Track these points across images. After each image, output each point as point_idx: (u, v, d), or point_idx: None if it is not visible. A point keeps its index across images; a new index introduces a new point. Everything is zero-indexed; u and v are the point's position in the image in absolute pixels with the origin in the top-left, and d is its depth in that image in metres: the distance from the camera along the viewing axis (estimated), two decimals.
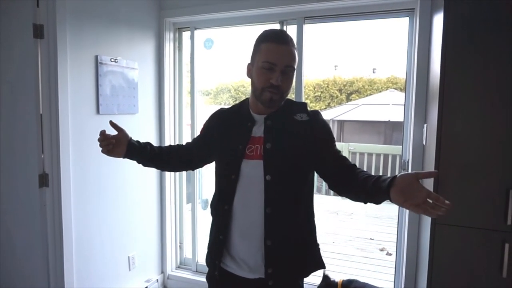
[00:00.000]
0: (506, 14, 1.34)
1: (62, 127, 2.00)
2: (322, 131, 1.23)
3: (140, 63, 2.56)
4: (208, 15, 2.60)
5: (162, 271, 2.90)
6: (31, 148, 1.99)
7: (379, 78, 13.39)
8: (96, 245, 2.30)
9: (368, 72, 14.34)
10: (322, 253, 1.34)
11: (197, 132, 1.87)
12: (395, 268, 2.41)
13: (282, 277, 1.21)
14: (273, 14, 2.47)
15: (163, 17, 2.71)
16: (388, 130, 7.86)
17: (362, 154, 6.08)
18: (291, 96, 2.52)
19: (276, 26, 2.48)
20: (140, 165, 1.42)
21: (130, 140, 1.36)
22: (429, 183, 1.70)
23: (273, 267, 1.18)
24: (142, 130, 2.62)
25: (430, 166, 1.60)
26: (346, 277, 2.34)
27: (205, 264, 1.39)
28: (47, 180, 2.02)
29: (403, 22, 2.25)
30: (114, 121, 1.37)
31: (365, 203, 1.09)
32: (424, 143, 1.97)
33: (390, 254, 3.74)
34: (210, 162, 1.43)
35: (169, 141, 2.81)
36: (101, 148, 1.32)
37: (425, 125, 1.95)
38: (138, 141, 1.39)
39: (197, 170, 1.48)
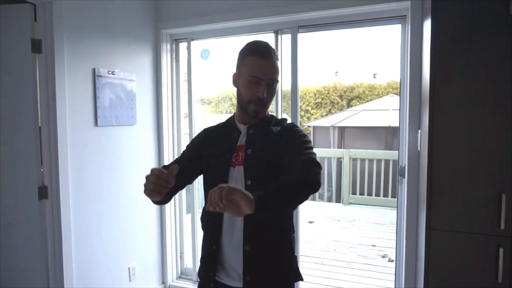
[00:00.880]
0: (493, 18, 1.36)
1: (60, 140, 2.03)
2: (287, 133, 1.27)
3: (138, 74, 2.60)
4: (204, 26, 2.64)
5: (163, 282, 2.90)
6: (31, 160, 2.02)
7: (379, 83, 13.42)
8: (96, 257, 2.30)
9: (369, 77, 14.38)
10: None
11: None
12: (395, 274, 2.41)
13: (261, 286, 1.21)
14: (268, 24, 2.50)
15: (160, 28, 2.75)
16: (389, 136, 7.86)
17: (363, 160, 6.08)
18: (288, 102, 2.54)
19: (271, 36, 2.52)
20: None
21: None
22: (422, 189, 1.71)
23: (251, 274, 1.19)
24: (140, 141, 2.65)
25: (424, 172, 1.60)
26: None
27: None
28: (47, 192, 2.04)
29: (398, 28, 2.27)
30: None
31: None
32: (419, 149, 1.98)
33: (392, 261, 3.71)
34: (199, 175, 1.39)
35: (167, 151, 2.83)
36: (145, 188, 1.09)
37: (419, 131, 1.96)
38: None
39: (196, 181, 1.46)
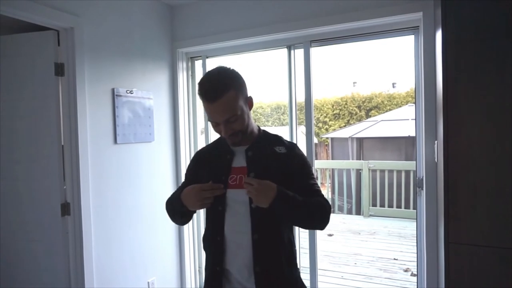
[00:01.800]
0: (504, 26, 1.35)
1: (82, 158, 2.11)
2: (298, 164, 1.28)
3: (155, 92, 2.68)
4: (218, 44, 2.71)
5: None
6: (54, 178, 2.10)
7: (398, 92, 13.21)
8: (117, 271, 2.35)
9: (388, 86, 14.18)
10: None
11: None
12: None
13: None
14: (281, 40, 2.55)
15: (176, 48, 2.84)
16: (409, 146, 7.68)
17: (382, 171, 5.97)
18: (302, 111, 2.53)
19: (284, 51, 2.56)
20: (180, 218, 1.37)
21: None
22: (440, 202, 1.67)
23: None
24: (158, 158, 2.71)
25: (442, 184, 1.57)
26: None
27: None
28: (69, 209, 2.11)
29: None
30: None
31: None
32: (436, 160, 1.94)
33: (415, 275, 3.60)
34: None
35: (184, 166, 2.88)
36: (199, 201, 1.21)
37: (436, 142, 1.93)
38: None
39: None
